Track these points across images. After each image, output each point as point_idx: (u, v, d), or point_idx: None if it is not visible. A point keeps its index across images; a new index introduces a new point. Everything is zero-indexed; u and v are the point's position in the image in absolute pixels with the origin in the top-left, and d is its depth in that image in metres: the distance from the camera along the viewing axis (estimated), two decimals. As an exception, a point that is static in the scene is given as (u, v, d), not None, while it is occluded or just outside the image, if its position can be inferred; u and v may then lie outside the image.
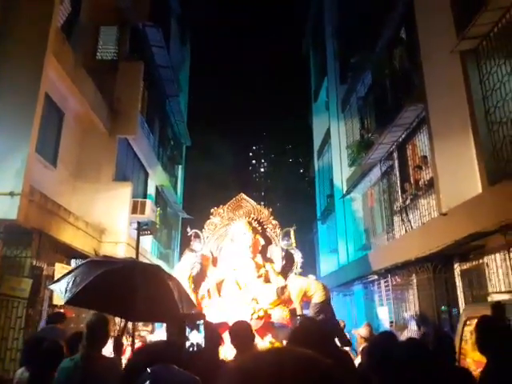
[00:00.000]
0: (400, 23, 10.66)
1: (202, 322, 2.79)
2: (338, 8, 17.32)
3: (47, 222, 7.18)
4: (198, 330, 2.76)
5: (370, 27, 12.39)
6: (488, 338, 2.66)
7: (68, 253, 8.13)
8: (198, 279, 7.78)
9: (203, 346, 2.77)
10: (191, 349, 2.99)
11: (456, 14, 7.40)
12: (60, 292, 3.52)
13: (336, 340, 6.14)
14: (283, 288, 7.59)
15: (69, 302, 3.50)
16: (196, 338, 2.76)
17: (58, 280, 3.69)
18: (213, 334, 3.40)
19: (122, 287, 3.40)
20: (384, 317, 10.85)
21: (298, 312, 7.30)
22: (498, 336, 2.61)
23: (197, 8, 23.09)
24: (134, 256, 9.07)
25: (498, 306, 3.64)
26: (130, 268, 3.63)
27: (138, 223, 6.66)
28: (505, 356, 2.45)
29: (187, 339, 2.70)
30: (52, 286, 3.78)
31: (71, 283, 3.42)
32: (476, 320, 3.20)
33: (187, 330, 2.71)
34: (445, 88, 8.12)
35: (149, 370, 2.22)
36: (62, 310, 7.31)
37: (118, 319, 9.95)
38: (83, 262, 3.85)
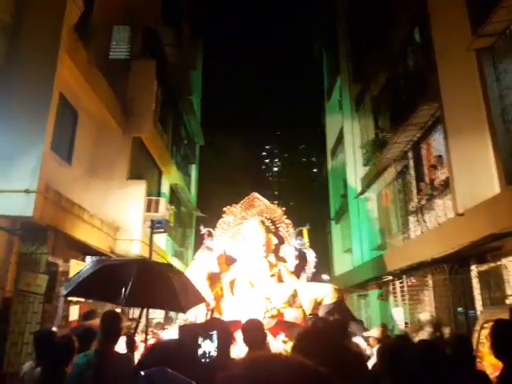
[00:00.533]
0: (414, 22, 10.54)
1: (215, 332, 2.77)
2: (351, 7, 17.19)
3: (62, 219, 7.26)
4: (211, 339, 2.74)
5: (383, 26, 12.29)
6: (504, 343, 2.59)
7: (83, 249, 8.21)
8: (213, 277, 7.78)
9: (216, 354, 2.77)
10: (203, 359, 2.98)
11: (471, 12, 7.29)
12: (65, 289, 3.69)
13: (359, 339, 6.10)
14: (294, 297, 7.56)
15: (68, 295, 3.59)
16: (209, 347, 2.75)
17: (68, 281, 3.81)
18: (224, 335, 3.37)
19: (119, 278, 3.49)
20: (399, 318, 10.73)
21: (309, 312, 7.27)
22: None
23: (210, 8, 23.14)
24: (147, 254, 9.17)
25: (517, 309, 3.56)
26: (130, 262, 3.79)
27: (152, 221, 6.69)
28: None
29: (199, 347, 2.70)
30: (63, 290, 3.95)
31: (74, 280, 3.62)
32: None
33: (200, 339, 2.70)
34: (460, 87, 8.01)
35: (142, 373, 2.23)
36: (77, 306, 7.42)
37: (131, 315, 10.06)
38: (91, 262, 4.01)
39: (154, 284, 3.55)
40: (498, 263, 7.09)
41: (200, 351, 2.71)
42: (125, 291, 3.42)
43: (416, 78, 10.29)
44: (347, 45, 17.92)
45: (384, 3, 12.38)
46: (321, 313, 7.23)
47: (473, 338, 4.26)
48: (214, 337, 2.76)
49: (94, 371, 2.88)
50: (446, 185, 8.60)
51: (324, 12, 22.47)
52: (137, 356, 4.08)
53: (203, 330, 2.89)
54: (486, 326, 4.23)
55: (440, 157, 9.38)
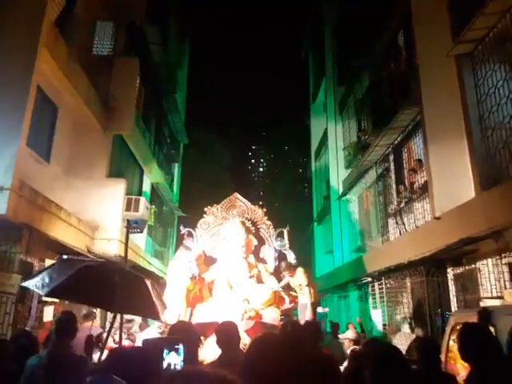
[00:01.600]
0: (398, 27, 10.65)
1: (181, 345, 2.75)
2: (337, 11, 17.31)
3: (38, 217, 7.12)
4: (177, 352, 2.72)
5: (368, 30, 12.39)
6: (470, 346, 2.63)
7: (59, 249, 8.07)
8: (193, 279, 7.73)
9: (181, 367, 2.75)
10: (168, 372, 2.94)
11: (452, 18, 7.39)
12: (36, 287, 3.55)
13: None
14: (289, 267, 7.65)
15: (49, 295, 3.52)
16: (174, 359, 2.72)
17: (32, 277, 3.71)
18: (189, 341, 3.34)
19: (101, 282, 3.45)
20: (377, 319, 10.84)
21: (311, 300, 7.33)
22: (480, 344, 2.57)
23: (197, 7, 23.03)
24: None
25: (485, 312, 3.61)
26: (108, 266, 3.71)
27: (128, 221, 6.61)
28: (487, 364, 2.42)
29: (163, 360, 2.67)
30: (26, 284, 3.76)
31: (48, 279, 3.46)
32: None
33: (165, 351, 2.67)
34: (440, 92, 8.12)
35: (88, 379, 2.19)
36: (52, 307, 7.29)
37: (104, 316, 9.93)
38: (56, 261, 3.94)
39: (135, 292, 3.54)
40: (473, 266, 7.20)
41: (165, 364, 2.67)
42: (110, 297, 3.40)
43: (398, 82, 10.39)
44: (332, 48, 18.03)
45: (369, 8, 12.49)
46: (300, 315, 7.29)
47: (443, 339, 4.32)
48: (180, 350, 2.73)
49: (43, 372, 2.83)
50: (425, 188, 8.71)
51: (311, 15, 22.58)
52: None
53: (168, 342, 2.85)
54: (457, 328, 4.29)
55: (420, 160, 9.49)
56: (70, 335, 3.22)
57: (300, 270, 7.75)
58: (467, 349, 2.65)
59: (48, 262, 7.36)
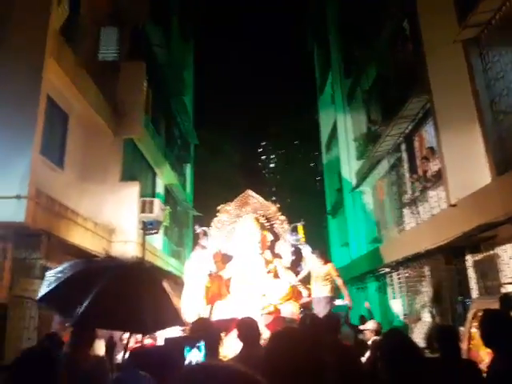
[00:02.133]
0: (402, 15, 10.55)
1: (202, 343, 2.76)
2: (341, 2, 17.19)
3: (55, 223, 7.25)
4: (198, 349, 2.73)
5: (372, 20, 12.30)
6: (492, 332, 2.62)
7: (78, 253, 8.18)
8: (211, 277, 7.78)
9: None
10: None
11: (457, 3, 7.30)
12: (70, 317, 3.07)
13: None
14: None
15: (40, 301, 3.30)
16: (196, 356, 2.73)
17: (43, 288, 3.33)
18: (210, 337, 3.36)
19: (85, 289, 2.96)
20: (397, 309, 10.81)
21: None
22: (502, 330, 2.56)
23: (199, 6, 23.00)
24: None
25: (506, 298, 3.58)
26: (102, 270, 3.19)
27: (143, 223, 6.69)
28: (509, 349, 2.40)
29: (184, 357, 2.67)
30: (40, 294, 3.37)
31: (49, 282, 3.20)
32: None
33: (186, 349, 2.67)
34: (449, 78, 8.04)
35: (115, 376, 2.20)
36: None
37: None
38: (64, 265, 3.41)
39: (117, 302, 2.96)
40: (492, 252, 7.13)
41: (187, 361, 2.69)
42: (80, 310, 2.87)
43: (406, 70, 10.30)
44: (338, 40, 17.93)
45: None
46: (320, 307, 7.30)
47: (465, 327, 4.30)
48: (201, 347, 2.76)
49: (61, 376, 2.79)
50: (439, 176, 8.63)
51: (315, 7, 22.44)
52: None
53: (189, 340, 2.87)
54: (479, 314, 4.26)
55: (432, 148, 9.40)
56: (88, 338, 3.10)
57: (331, 264, 7.95)
58: (489, 335, 2.64)
59: (68, 267, 7.48)
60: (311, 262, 8.04)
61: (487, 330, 2.66)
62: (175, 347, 2.68)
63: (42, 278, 6.55)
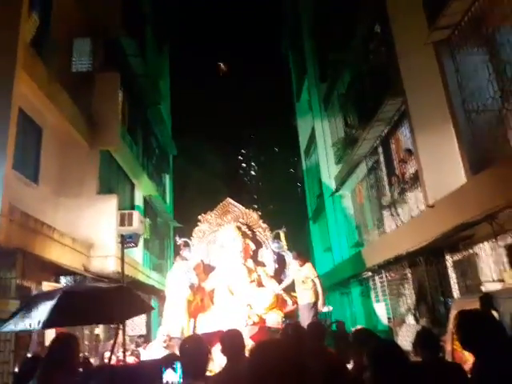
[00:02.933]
0: (374, 18, 10.69)
1: (177, 363, 2.72)
2: (314, 6, 17.37)
3: (31, 240, 7.04)
4: (173, 369, 2.69)
5: (345, 24, 12.43)
6: (468, 335, 2.53)
7: (56, 270, 7.99)
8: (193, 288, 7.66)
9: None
10: None
11: (427, 5, 7.43)
12: (29, 326, 3.27)
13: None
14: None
15: (46, 327, 3.37)
16: (171, 377, 2.70)
17: (9, 322, 3.42)
18: (201, 351, 3.29)
19: (87, 299, 3.40)
20: (381, 313, 10.83)
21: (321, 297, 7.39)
22: (478, 331, 2.47)
23: (173, 15, 22.97)
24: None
25: (486, 297, 3.60)
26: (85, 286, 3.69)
27: (122, 236, 6.56)
28: (488, 351, 2.34)
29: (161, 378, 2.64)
30: (8, 328, 3.46)
31: (33, 314, 3.26)
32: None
33: (162, 368, 2.63)
34: (422, 80, 8.14)
35: None
36: (53, 330, 7.17)
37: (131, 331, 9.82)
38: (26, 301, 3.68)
39: (120, 295, 3.52)
40: (471, 251, 7.22)
41: (164, 381, 2.64)
42: (103, 310, 3.37)
43: (380, 73, 10.42)
44: (312, 45, 18.10)
45: (344, 2, 12.54)
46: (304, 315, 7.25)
47: (447, 328, 4.31)
48: (177, 367, 2.70)
49: None
50: (416, 178, 8.72)
51: (289, 12, 22.62)
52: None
53: (165, 360, 2.81)
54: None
55: (409, 150, 9.51)
56: (63, 360, 2.92)
57: (309, 264, 7.77)
58: (466, 337, 2.55)
59: (45, 285, 7.27)
60: (292, 267, 7.99)
61: (463, 332, 2.58)
62: (151, 368, 2.61)
63: (19, 297, 6.39)
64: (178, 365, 2.67)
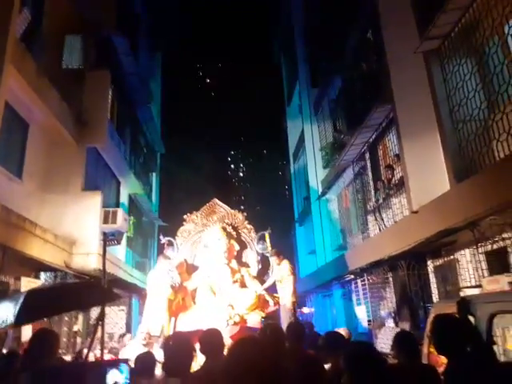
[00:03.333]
0: (366, 26, 10.82)
1: (124, 364, 2.74)
2: (307, 12, 17.50)
3: (12, 235, 6.93)
4: (118, 369, 2.70)
5: (337, 31, 12.55)
6: (442, 339, 2.56)
7: (36, 266, 7.90)
8: (175, 288, 7.62)
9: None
10: None
11: (417, 16, 7.54)
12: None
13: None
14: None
15: (18, 322, 3.16)
16: (117, 377, 2.70)
17: None
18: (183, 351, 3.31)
19: (56, 292, 3.47)
20: (362, 316, 10.93)
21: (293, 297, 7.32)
22: (452, 335, 2.51)
23: (167, 16, 22.94)
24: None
25: (463, 302, 3.66)
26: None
27: (104, 233, 6.51)
28: (461, 355, 2.38)
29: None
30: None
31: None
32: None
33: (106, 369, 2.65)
34: (411, 88, 8.26)
35: None
36: (30, 326, 7.08)
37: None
38: None
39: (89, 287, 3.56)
40: (452, 257, 7.33)
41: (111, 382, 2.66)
42: (74, 299, 3.41)
43: (370, 80, 10.54)
44: (304, 50, 18.21)
45: (338, 8, 12.66)
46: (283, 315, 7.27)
47: (425, 332, 4.37)
48: (123, 367, 2.72)
49: None
50: (402, 183, 8.83)
51: (281, 17, 22.73)
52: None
53: (110, 361, 2.84)
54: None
55: (396, 156, 9.62)
56: (43, 361, 2.88)
57: (286, 261, 7.75)
58: (440, 341, 2.59)
59: (24, 280, 7.18)
60: (273, 267, 8.01)
61: (437, 336, 2.61)
62: (95, 367, 2.63)
63: (-4, 293, 6.30)
64: (125, 366, 2.70)
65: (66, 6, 10.72)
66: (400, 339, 2.94)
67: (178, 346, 3.46)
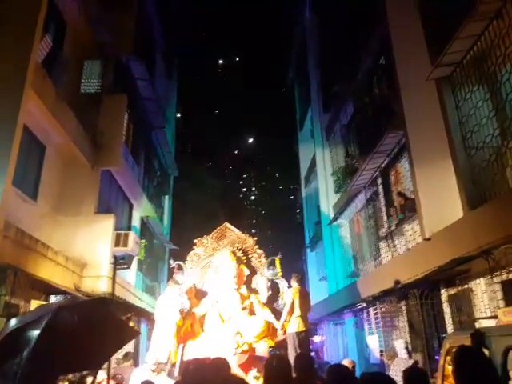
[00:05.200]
0: (378, 53, 10.94)
1: None
2: (320, 39, 17.79)
3: (23, 257, 6.99)
4: None
5: (350, 57, 12.71)
6: (465, 371, 2.52)
7: (46, 289, 7.90)
8: (183, 313, 7.54)
9: None
10: None
11: (429, 43, 7.60)
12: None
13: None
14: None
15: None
16: None
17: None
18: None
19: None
20: (374, 346, 10.66)
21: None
22: (476, 369, 2.48)
23: (184, 42, 23.55)
24: (116, 290, 8.84)
25: (478, 334, 3.54)
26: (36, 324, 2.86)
27: (115, 257, 6.51)
28: None
29: None
30: None
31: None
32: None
33: None
34: (423, 115, 8.26)
35: None
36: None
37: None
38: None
39: (59, 348, 2.81)
40: (466, 287, 7.15)
41: None
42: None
43: (382, 106, 10.59)
44: (317, 75, 18.43)
45: (351, 35, 12.86)
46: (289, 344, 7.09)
47: (439, 363, 4.23)
48: None
49: None
50: (414, 210, 8.73)
51: (296, 44, 23.15)
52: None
53: None
54: (453, 351, 4.20)
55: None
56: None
57: (296, 286, 7.45)
58: (463, 374, 2.54)
59: (34, 303, 7.19)
60: (283, 293, 7.87)
61: (461, 368, 2.56)
62: None
63: (6, 315, 6.31)
64: None
65: (86, 32, 11.08)
66: (409, 376, 2.85)
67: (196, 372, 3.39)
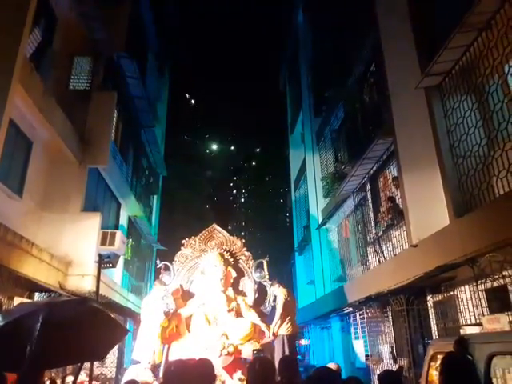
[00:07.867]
0: (369, 60, 11.03)
1: None
2: (313, 45, 17.88)
3: (7, 254, 6.85)
4: None
5: (342, 63, 12.80)
6: (453, 378, 2.53)
7: (30, 286, 7.78)
8: (168, 314, 7.48)
9: None
10: None
11: (420, 52, 7.68)
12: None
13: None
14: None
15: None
16: None
17: None
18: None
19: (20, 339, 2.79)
20: (360, 350, 10.70)
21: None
22: (463, 376, 2.49)
23: (176, 40, 23.44)
24: (101, 288, 8.74)
25: (461, 341, 3.56)
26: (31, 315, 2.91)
27: (100, 256, 6.43)
28: None
29: None
30: None
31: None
32: (442, 356, 3.11)
33: None
34: (412, 122, 8.34)
35: None
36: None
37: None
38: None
39: (64, 336, 2.88)
40: (451, 294, 7.21)
41: None
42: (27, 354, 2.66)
43: (372, 113, 10.67)
44: (308, 80, 18.52)
45: (342, 41, 12.94)
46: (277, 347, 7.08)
47: (423, 369, 4.25)
48: None
49: None
50: (402, 216, 8.79)
51: (288, 49, 23.24)
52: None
53: None
54: (438, 357, 4.22)
55: (396, 178, 9.56)
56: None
57: (282, 289, 7.54)
58: (450, 380, 2.55)
59: (17, 300, 7.07)
60: (270, 296, 7.87)
61: (448, 375, 2.57)
62: None
63: (-11, 312, 6.18)
64: None
65: (77, 27, 10.95)
66: (382, 379, 2.85)
67: (179, 374, 3.35)
